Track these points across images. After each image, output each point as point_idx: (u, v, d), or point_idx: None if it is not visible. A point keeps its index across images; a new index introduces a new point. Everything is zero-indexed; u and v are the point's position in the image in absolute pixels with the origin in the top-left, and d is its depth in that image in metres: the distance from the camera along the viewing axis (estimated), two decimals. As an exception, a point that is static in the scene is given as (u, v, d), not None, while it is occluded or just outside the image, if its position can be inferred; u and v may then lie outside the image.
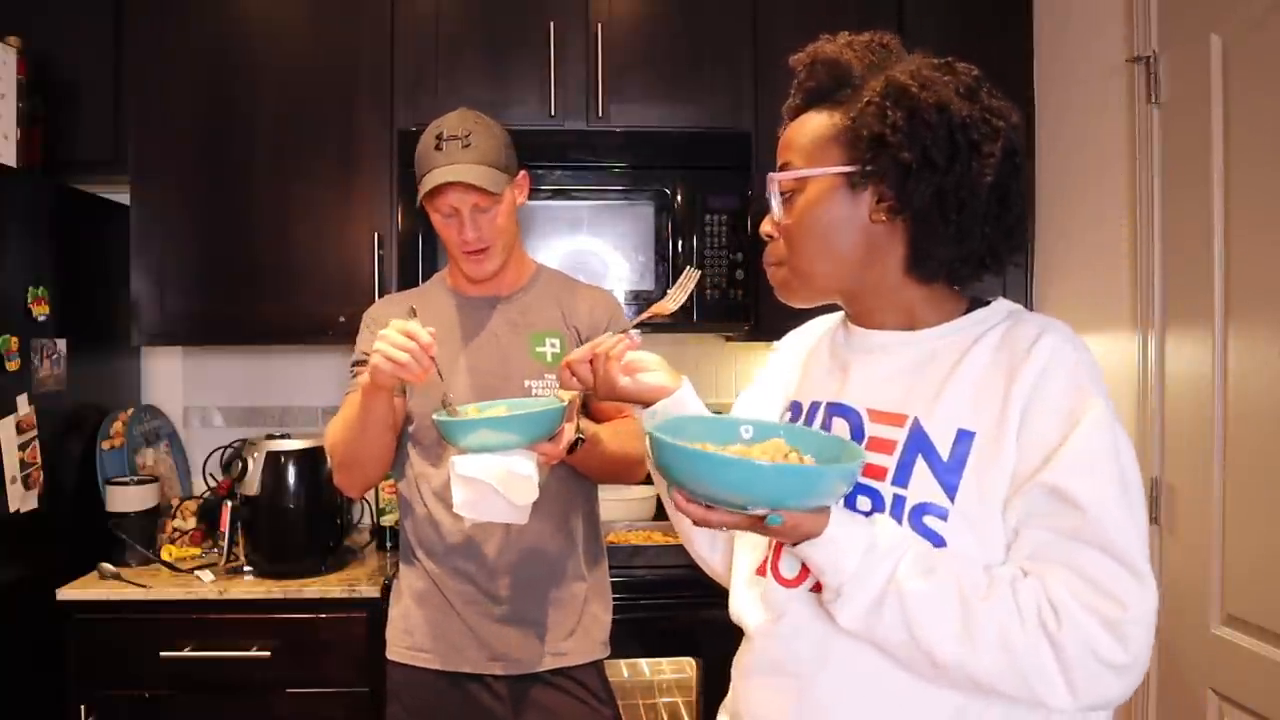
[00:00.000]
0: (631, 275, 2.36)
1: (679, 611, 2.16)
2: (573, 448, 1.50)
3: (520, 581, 1.64)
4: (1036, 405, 0.89)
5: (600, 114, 2.42)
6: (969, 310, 1.01)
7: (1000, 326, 0.97)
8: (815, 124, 1.00)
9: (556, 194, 2.34)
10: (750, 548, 1.08)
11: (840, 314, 1.12)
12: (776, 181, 1.01)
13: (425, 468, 1.67)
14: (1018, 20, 2.49)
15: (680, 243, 2.36)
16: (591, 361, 1.14)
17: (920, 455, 0.93)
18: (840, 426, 1.01)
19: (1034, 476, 0.88)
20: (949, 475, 0.91)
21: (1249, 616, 1.69)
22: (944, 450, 0.92)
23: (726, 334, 2.71)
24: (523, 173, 1.70)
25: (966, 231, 0.95)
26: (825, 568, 0.89)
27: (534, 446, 1.40)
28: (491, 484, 1.37)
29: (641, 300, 2.36)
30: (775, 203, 1.02)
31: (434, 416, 1.40)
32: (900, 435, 0.94)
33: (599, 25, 2.42)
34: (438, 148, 1.59)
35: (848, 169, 0.97)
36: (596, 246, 2.36)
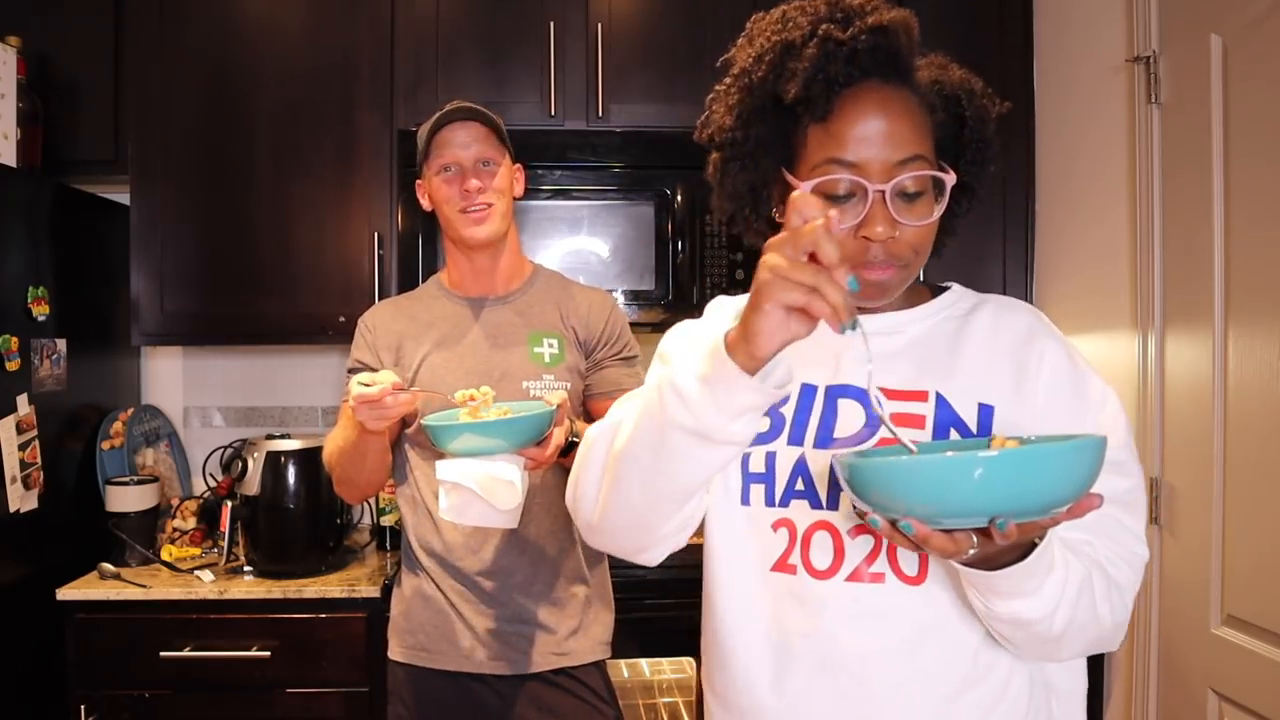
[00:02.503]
0: (631, 275, 2.36)
1: (679, 611, 2.15)
2: (567, 450, 1.50)
3: (521, 582, 1.64)
4: (1066, 396, 0.95)
5: (600, 114, 2.42)
6: (933, 294, 1.05)
7: (983, 309, 1.02)
8: (918, 113, 0.94)
9: (556, 194, 2.34)
10: (758, 540, 0.98)
11: None
12: (917, 177, 0.91)
13: (424, 469, 1.67)
14: (1018, 20, 2.49)
15: (680, 243, 2.36)
16: None
17: (952, 428, 0.94)
18: (850, 408, 0.98)
19: None
20: None
21: (1249, 616, 1.68)
22: (971, 423, 0.94)
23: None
24: (519, 165, 1.72)
25: (959, 217, 1.04)
26: (1045, 570, 0.83)
27: (520, 451, 1.41)
28: (473, 488, 1.38)
29: (641, 300, 2.36)
30: (894, 201, 0.91)
31: (422, 421, 1.42)
32: (927, 410, 0.95)
33: (599, 25, 2.42)
34: (440, 113, 1.64)
35: (952, 174, 0.95)
36: (596, 246, 2.36)
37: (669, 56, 2.44)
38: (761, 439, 0.99)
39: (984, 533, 0.75)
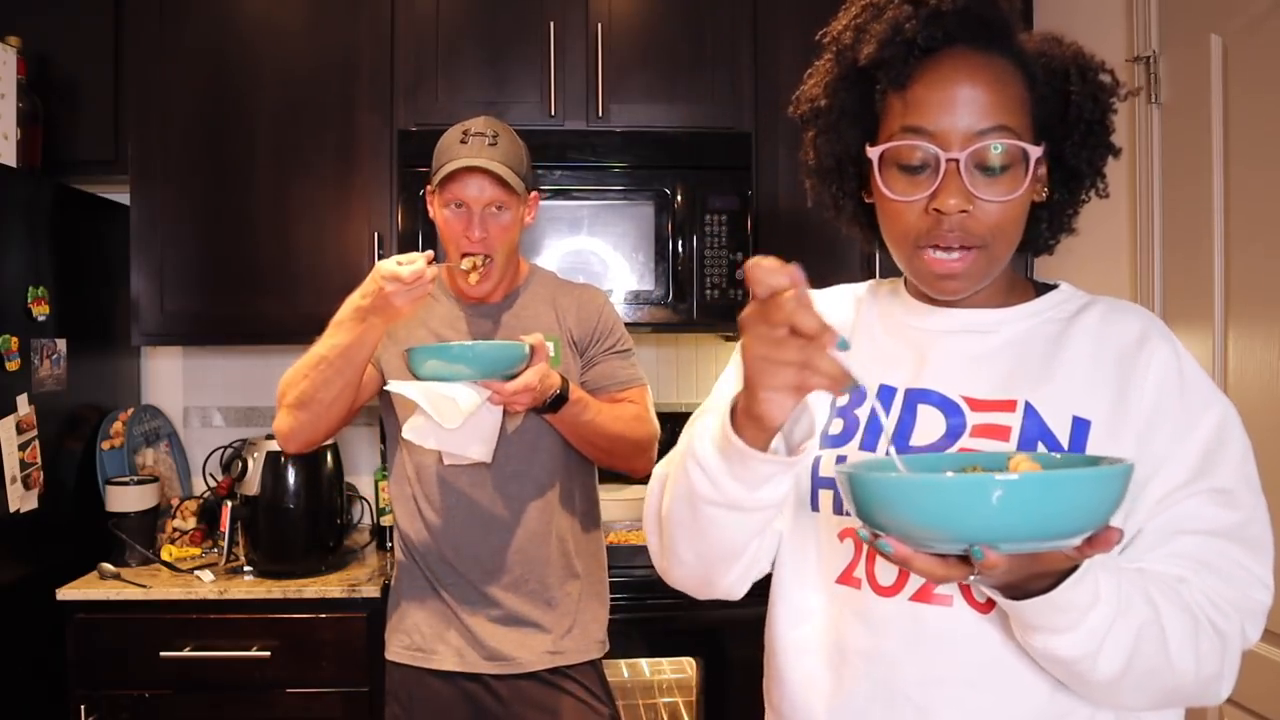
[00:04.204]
0: (631, 275, 2.36)
1: (679, 611, 2.16)
2: (557, 404, 1.51)
3: (515, 581, 1.64)
4: (1173, 413, 0.86)
5: (600, 114, 2.42)
6: (1036, 292, 0.96)
7: (1090, 311, 0.92)
8: (1012, 82, 0.86)
9: (556, 194, 2.34)
10: (823, 549, 0.92)
11: (867, 287, 1.04)
12: (1000, 150, 0.83)
13: (416, 469, 1.67)
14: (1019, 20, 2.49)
15: (680, 243, 2.36)
16: None
17: (1040, 442, 0.85)
18: (930, 415, 0.90)
19: (1193, 481, 0.85)
20: None
21: (1249, 616, 1.69)
22: (1063, 437, 0.85)
23: (725, 334, 2.71)
24: (534, 194, 1.70)
25: (1077, 208, 0.95)
26: (1082, 606, 0.74)
27: (486, 384, 1.44)
28: (419, 402, 1.43)
29: (641, 300, 2.36)
30: (971, 173, 0.84)
31: (404, 349, 1.46)
32: (1014, 421, 0.86)
33: (599, 25, 2.42)
34: (463, 141, 1.60)
35: (1041, 147, 0.87)
36: (596, 246, 2.36)
37: (669, 56, 2.44)
38: (834, 442, 0.92)
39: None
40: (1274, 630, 1.61)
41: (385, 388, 1.50)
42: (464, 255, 1.59)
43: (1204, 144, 1.80)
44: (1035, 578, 0.72)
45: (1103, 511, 0.67)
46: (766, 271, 0.69)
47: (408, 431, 1.50)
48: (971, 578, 0.70)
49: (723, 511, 0.82)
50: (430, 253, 1.45)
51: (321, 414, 1.58)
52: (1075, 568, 0.72)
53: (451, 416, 1.42)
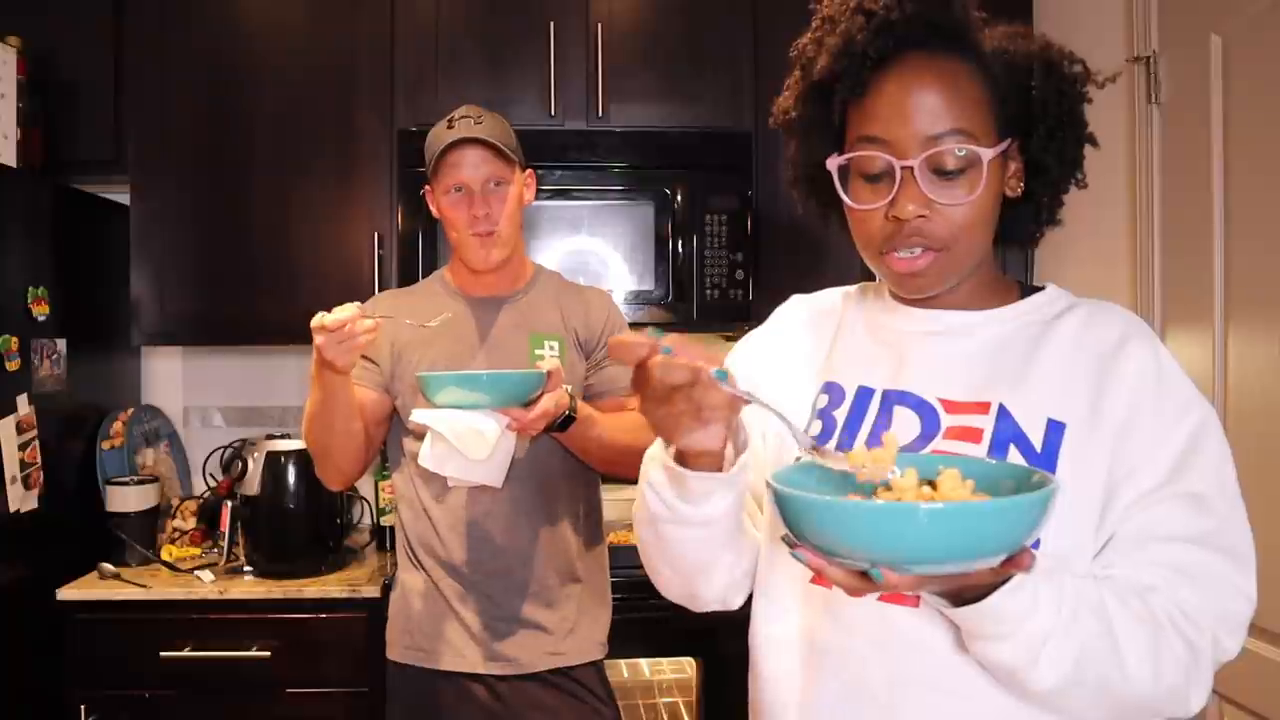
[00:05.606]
0: (631, 275, 2.36)
1: (680, 611, 2.15)
2: (566, 424, 1.51)
3: (517, 582, 1.64)
4: (1148, 416, 0.85)
5: (600, 114, 2.42)
6: (1022, 294, 0.96)
7: (1073, 314, 0.92)
8: (968, 84, 0.86)
9: (556, 194, 2.34)
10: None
11: (856, 289, 1.05)
12: (948, 154, 0.84)
13: (420, 472, 1.66)
14: (1018, 20, 2.49)
15: (680, 243, 2.36)
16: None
17: (1012, 444, 0.85)
18: (905, 417, 0.90)
19: (1165, 485, 0.84)
20: (1043, 467, 0.83)
21: (1249, 616, 1.68)
22: (1036, 440, 0.85)
23: (726, 334, 2.71)
24: (529, 170, 1.71)
25: (1055, 200, 0.95)
26: (1016, 616, 0.73)
27: (505, 411, 1.43)
28: (442, 433, 1.42)
29: (641, 300, 2.36)
30: (927, 178, 0.85)
31: (416, 374, 1.45)
32: (986, 423, 0.86)
33: (599, 25, 2.42)
34: (449, 126, 1.62)
35: (1006, 142, 0.88)
36: (596, 246, 2.36)
37: (669, 56, 2.44)
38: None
39: None
40: (1274, 630, 1.62)
41: (412, 418, 1.49)
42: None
43: (1204, 144, 1.80)
44: (965, 588, 0.72)
45: (1017, 537, 0.67)
46: (626, 348, 0.77)
47: (425, 460, 1.49)
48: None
49: (677, 528, 0.89)
50: (360, 309, 1.40)
51: (342, 458, 1.61)
52: (1011, 576, 0.71)
53: (478, 448, 1.42)
